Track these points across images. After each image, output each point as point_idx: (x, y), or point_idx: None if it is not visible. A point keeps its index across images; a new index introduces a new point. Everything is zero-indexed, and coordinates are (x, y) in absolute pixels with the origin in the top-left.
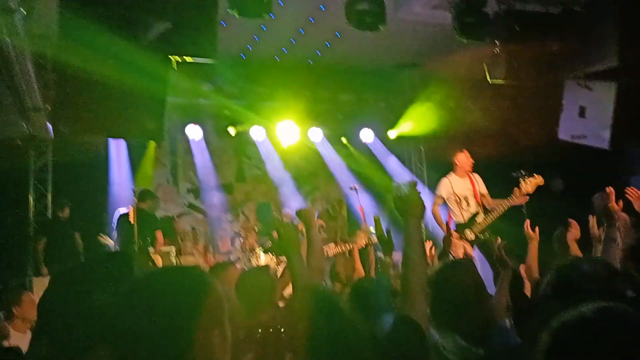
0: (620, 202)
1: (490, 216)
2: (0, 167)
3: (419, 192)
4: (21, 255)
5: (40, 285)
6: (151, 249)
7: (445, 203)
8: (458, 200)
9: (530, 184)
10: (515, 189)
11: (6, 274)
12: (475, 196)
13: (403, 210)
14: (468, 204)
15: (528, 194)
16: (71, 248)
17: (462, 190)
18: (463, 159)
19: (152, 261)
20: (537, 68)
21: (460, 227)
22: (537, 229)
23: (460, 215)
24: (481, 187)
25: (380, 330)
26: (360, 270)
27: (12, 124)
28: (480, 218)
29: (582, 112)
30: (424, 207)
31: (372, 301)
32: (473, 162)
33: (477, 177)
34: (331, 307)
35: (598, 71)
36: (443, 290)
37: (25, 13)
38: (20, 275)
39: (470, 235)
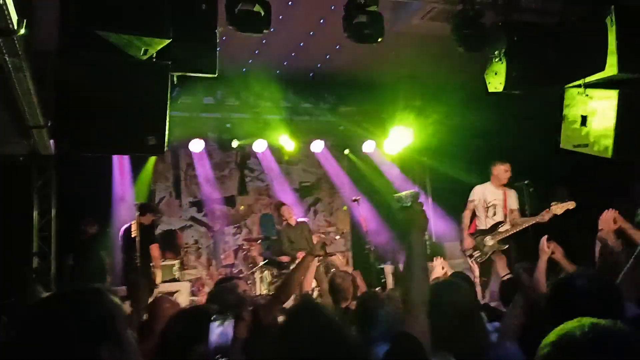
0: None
1: (513, 228)
2: (4, 184)
3: (422, 204)
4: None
5: None
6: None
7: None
8: (486, 207)
9: (561, 207)
10: (546, 210)
11: (10, 288)
12: (504, 208)
13: (405, 222)
14: (495, 214)
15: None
16: (99, 265)
17: (493, 199)
18: (501, 170)
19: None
20: (536, 78)
21: (479, 233)
22: (552, 244)
23: (484, 222)
24: (512, 203)
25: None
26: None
27: (14, 142)
28: (503, 228)
29: (583, 121)
30: (426, 219)
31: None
32: (510, 175)
33: (511, 193)
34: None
35: (598, 80)
36: (435, 309)
37: (25, 32)
38: (23, 290)
39: (489, 242)
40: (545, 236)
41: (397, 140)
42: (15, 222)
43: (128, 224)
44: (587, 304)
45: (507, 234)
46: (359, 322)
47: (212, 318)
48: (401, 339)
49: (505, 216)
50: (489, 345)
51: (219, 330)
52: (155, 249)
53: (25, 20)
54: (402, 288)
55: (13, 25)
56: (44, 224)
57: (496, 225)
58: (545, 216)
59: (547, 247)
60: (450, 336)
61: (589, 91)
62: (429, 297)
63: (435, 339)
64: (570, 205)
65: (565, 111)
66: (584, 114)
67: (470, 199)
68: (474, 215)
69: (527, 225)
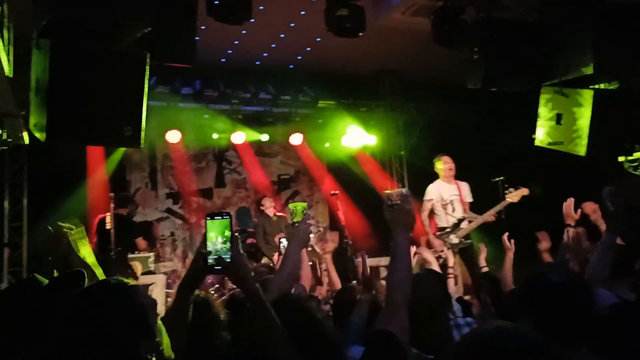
0: (579, 212)
1: (475, 222)
2: None
3: (411, 202)
4: None
5: None
6: (130, 256)
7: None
8: (444, 204)
9: (516, 195)
10: (502, 200)
11: None
12: (461, 202)
13: (393, 220)
14: (454, 209)
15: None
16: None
17: (449, 195)
18: (443, 165)
19: (131, 268)
20: (514, 75)
21: (443, 232)
22: (512, 241)
23: (445, 220)
24: (467, 195)
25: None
26: (335, 279)
27: None
28: (464, 224)
29: (558, 119)
30: (414, 218)
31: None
32: (454, 166)
33: (463, 185)
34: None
35: (574, 78)
36: None
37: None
38: None
39: (454, 240)
40: (506, 233)
41: (354, 138)
42: None
43: (103, 215)
44: (559, 299)
45: (470, 229)
46: (334, 320)
47: None
48: (380, 337)
49: (464, 210)
50: (450, 340)
51: None
52: (141, 242)
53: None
54: (387, 284)
55: None
56: (16, 214)
57: (458, 223)
58: (503, 204)
59: (509, 245)
60: (413, 330)
61: (566, 90)
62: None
63: None
64: (525, 191)
65: (541, 109)
66: (560, 112)
67: (426, 198)
68: (431, 214)
69: (487, 218)
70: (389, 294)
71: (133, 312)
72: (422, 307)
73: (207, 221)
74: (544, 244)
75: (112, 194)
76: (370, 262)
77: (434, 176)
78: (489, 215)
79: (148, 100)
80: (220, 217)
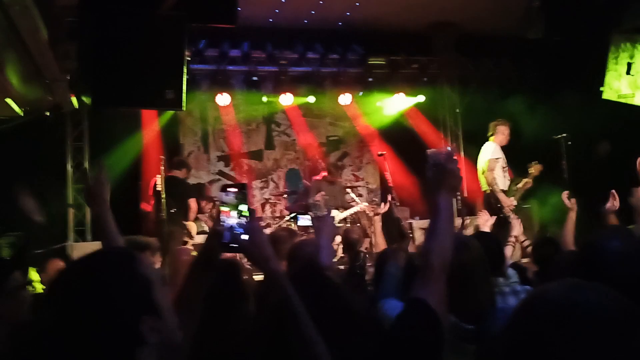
0: None
1: (527, 183)
2: (36, 139)
3: (456, 162)
4: (63, 222)
5: (81, 249)
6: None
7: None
8: (504, 167)
9: (535, 169)
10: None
11: (48, 240)
12: (508, 168)
13: (436, 181)
14: (506, 175)
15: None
16: None
17: (504, 159)
18: (506, 130)
19: (186, 228)
20: (581, 22)
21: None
22: (574, 200)
23: (504, 183)
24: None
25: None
26: (379, 241)
27: (36, 97)
28: (517, 185)
29: (628, 69)
30: (459, 179)
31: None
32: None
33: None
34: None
35: None
36: None
37: None
38: (60, 241)
39: (513, 202)
40: (566, 192)
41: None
42: (51, 175)
43: (160, 177)
44: (619, 267)
45: (524, 190)
46: (374, 279)
47: None
48: (414, 305)
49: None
50: (493, 306)
51: None
52: (193, 202)
53: None
54: (423, 249)
55: None
56: (79, 177)
57: (511, 185)
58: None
59: (570, 203)
60: (452, 297)
61: (637, 37)
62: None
63: None
64: (541, 167)
65: (610, 59)
66: (630, 62)
67: (495, 157)
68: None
69: (528, 184)
70: (427, 259)
71: (134, 284)
72: (463, 272)
73: (222, 195)
74: (612, 204)
75: (162, 157)
76: (420, 224)
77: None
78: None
79: (197, 63)
80: (235, 190)
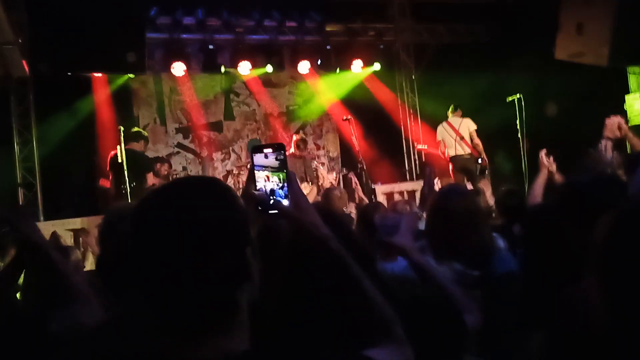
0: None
1: None
2: None
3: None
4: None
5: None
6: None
7: None
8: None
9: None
10: None
11: None
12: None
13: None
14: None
15: None
16: None
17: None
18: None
19: None
20: None
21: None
22: (552, 158)
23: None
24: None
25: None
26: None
27: None
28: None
29: (579, 29)
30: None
31: None
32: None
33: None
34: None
35: None
36: (438, 217)
37: None
38: None
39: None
40: (544, 150)
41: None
42: None
43: (115, 152)
44: (596, 194)
45: None
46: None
47: None
48: None
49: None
50: (494, 251)
51: None
52: (151, 177)
53: None
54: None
55: None
56: (27, 154)
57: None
58: None
59: (546, 161)
60: (453, 243)
61: None
62: (431, 205)
63: (439, 247)
64: None
65: (561, 19)
66: (581, 21)
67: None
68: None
69: None
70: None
71: (241, 213)
72: (466, 218)
73: (253, 156)
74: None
75: (120, 127)
76: (383, 188)
77: (447, 100)
78: None
79: (150, 32)
80: (270, 150)
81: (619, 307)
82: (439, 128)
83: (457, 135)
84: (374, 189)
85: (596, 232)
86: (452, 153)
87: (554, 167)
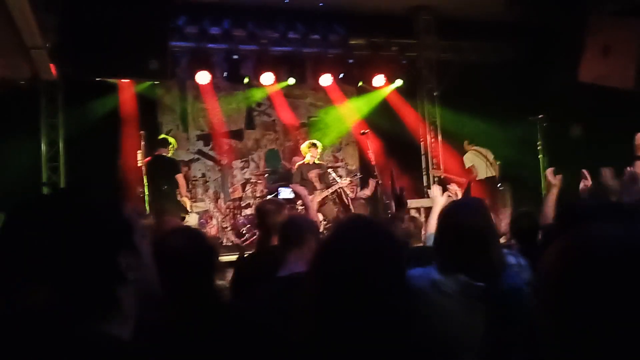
0: None
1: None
2: (10, 112)
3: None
4: None
5: None
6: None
7: None
8: None
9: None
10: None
11: None
12: None
13: None
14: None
15: None
16: None
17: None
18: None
19: (181, 205)
20: (560, 4)
21: None
22: (559, 176)
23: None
24: None
25: None
26: None
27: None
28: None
29: (606, 51)
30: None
31: None
32: None
33: None
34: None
35: (625, 7)
36: (447, 232)
37: None
38: None
39: None
40: (552, 168)
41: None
42: (24, 152)
43: (153, 155)
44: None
45: None
46: None
47: None
48: None
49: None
50: (503, 266)
51: None
52: (181, 178)
53: None
54: None
55: None
56: (53, 154)
57: None
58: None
59: (552, 179)
60: (460, 258)
61: (615, 18)
62: (440, 219)
63: (445, 262)
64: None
65: (588, 42)
66: (608, 44)
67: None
68: None
69: None
70: None
71: (118, 220)
72: (474, 233)
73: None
74: (584, 183)
75: (142, 132)
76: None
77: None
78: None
79: (177, 40)
80: None
81: (569, 343)
82: (468, 155)
83: (487, 159)
84: (387, 203)
85: (543, 261)
86: (482, 175)
87: (558, 186)
